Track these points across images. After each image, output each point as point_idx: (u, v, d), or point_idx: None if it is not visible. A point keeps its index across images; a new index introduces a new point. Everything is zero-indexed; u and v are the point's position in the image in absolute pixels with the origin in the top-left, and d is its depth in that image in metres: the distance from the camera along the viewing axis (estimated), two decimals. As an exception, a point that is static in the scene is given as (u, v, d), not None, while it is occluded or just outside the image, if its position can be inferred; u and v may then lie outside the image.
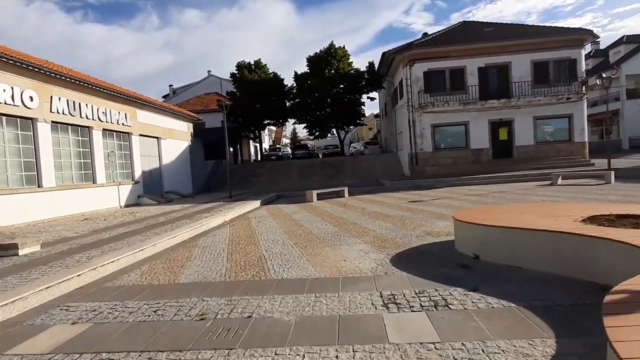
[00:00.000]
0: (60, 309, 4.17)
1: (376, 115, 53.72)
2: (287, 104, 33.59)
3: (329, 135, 39.87)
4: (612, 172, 14.21)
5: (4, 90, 11.00)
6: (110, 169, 15.55)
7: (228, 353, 2.89)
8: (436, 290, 3.98)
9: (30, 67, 11.66)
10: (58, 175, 12.93)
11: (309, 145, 45.77)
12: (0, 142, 11.11)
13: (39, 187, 12.08)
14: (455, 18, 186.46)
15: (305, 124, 33.85)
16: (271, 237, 7.74)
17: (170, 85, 49.50)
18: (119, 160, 16.28)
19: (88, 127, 14.44)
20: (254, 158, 41.13)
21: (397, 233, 7.26)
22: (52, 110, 12.71)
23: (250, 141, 39.99)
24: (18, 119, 11.63)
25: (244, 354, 2.85)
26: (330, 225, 8.89)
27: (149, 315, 3.79)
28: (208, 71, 44.59)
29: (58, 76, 12.74)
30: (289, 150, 43.57)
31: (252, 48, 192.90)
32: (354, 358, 2.70)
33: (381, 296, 3.92)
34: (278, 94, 32.26)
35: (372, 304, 3.73)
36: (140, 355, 2.95)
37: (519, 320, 3.15)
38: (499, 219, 5.20)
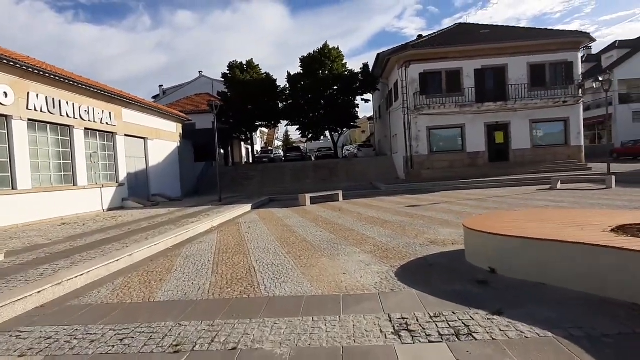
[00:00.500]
0: (10, 335, 3.51)
1: (369, 118, 53.40)
2: (280, 105, 32.94)
3: (322, 137, 39.33)
4: (613, 177, 13.86)
5: (-25, 85, 10.24)
6: (93, 171, 14.76)
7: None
8: (454, 313, 3.41)
9: (5, 61, 10.88)
10: (35, 176, 12.13)
11: (301, 148, 45.15)
12: (-30, 140, 10.33)
13: (13, 189, 11.27)
14: (447, 23, 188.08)
15: (298, 126, 33.23)
16: (262, 245, 7.12)
17: (160, 86, 48.60)
18: (102, 162, 15.48)
19: (69, 125, 13.65)
20: (245, 160, 40.37)
21: (398, 241, 6.69)
22: (29, 108, 11.92)
23: (242, 143, 39.23)
24: (-9, 116, 10.86)
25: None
26: (325, 231, 8.29)
27: (113, 346, 3.14)
28: (199, 72, 43.60)
29: (36, 71, 11.96)
30: (282, 153, 42.89)
31: (246, 50, 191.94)
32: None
33: (390, 320, 3.33)
34: (271, 94, 31.59)
35: (381, 331, 3.14)
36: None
37: (562, 355, 2.59)
38: (517, 228, 4.66)
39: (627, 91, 32.38)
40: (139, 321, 3.65)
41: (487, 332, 3.00)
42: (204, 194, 22.03)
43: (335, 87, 30.30)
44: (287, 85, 31.91)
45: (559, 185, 14.70)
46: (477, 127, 21.26)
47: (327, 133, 34.93)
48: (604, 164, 18.22)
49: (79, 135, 14.06)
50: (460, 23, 26.02)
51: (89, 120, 14.51)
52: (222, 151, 32.09)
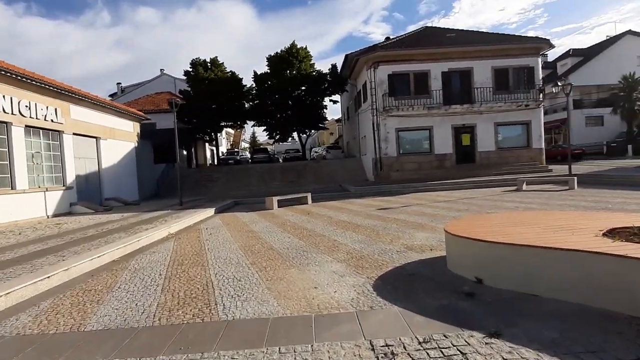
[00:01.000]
0: None
1: (337, 120, 53.29)
2: (246, 106, 31.92)
3: (290, 139, 38.65)
4: (575, 178, 14.21)
5: None
6: (35, 173, 13.31)
7: None
8: (445, 336, 2.92)
9: None
10: (-38, 179, 10.67)
11: (269, 149, 44.22)
12: None
13: None
14: (411, 30, 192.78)
15: (265, 127, 32.37)
16: (223, 255, 6.40)
17: (119, 83, 45.90)
18: (46, 163, 14.01)
19: (6, 122, 12.19)
20: (210, 162, 38.90)
21: (373, 248, 6.21)
22: (-45, 101, 10.48)
23: (206, 144, 37.77)
24: None
25: None
26: (294, 237, 7.68)
27: (15, 401, 2.39)
28: (161, 70, 41.61)
29: (-36, 60, 10.55)
30: (248, 155, 41.75)
31: (211, 50, 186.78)
32: None
33: (373, 349, 2.78)
34: (236, 94, 30.50)
35: (363, 364, 2.59)
36: None
37: (581, 392, 2.15)
38: (503, 233, 4.28)
39: (580, 97, 34.14)
40: (59, 361, 2.89)
41: (488, 362, 2.52)
42: (164, 197, 20.72)
43: (303, 88, 29.76)
44: (254, 85, 30.99)
45: (524, 187, 14.91)
46: (444, 129, 21.44)
47: (295, 135, 34.31)
48: (561, 165, 18.85)
49: (18, 133, 12.60)
50: (426, 26, 26.30)
51: (30, 117, 13.06)
52: (184, 152, 30.64)
